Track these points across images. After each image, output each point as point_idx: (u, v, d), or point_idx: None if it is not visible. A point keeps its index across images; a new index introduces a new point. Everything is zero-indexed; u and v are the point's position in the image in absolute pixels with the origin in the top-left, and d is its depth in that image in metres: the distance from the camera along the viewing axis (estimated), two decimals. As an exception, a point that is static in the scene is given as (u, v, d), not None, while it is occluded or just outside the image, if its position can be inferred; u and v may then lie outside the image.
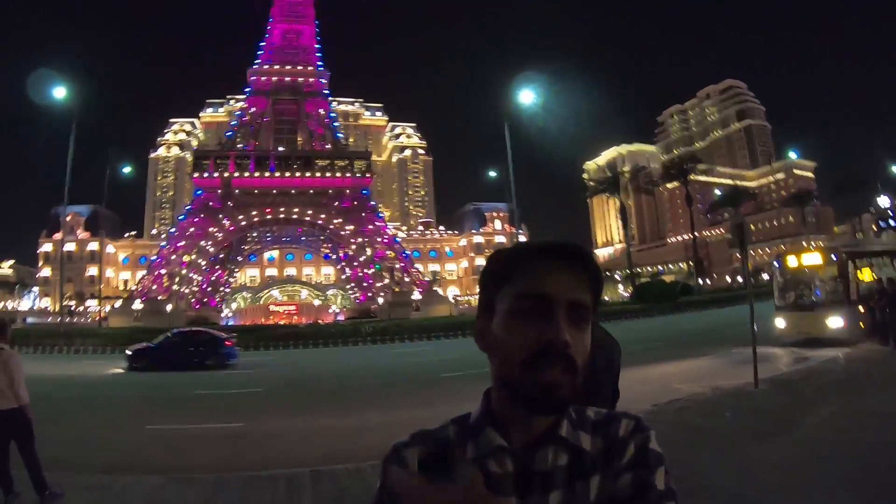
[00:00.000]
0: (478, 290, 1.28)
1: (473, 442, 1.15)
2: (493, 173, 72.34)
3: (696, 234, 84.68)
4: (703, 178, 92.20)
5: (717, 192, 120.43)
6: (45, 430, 7.44)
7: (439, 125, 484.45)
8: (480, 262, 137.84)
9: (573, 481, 1.13)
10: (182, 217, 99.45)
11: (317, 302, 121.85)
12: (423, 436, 1.21)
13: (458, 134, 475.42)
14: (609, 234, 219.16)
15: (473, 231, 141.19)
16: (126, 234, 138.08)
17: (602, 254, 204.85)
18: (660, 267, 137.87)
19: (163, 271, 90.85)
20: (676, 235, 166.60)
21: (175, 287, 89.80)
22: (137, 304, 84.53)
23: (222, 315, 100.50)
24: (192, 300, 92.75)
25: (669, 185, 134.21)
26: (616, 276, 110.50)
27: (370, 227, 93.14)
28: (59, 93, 44.69)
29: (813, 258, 21.84)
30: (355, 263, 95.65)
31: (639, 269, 78.05)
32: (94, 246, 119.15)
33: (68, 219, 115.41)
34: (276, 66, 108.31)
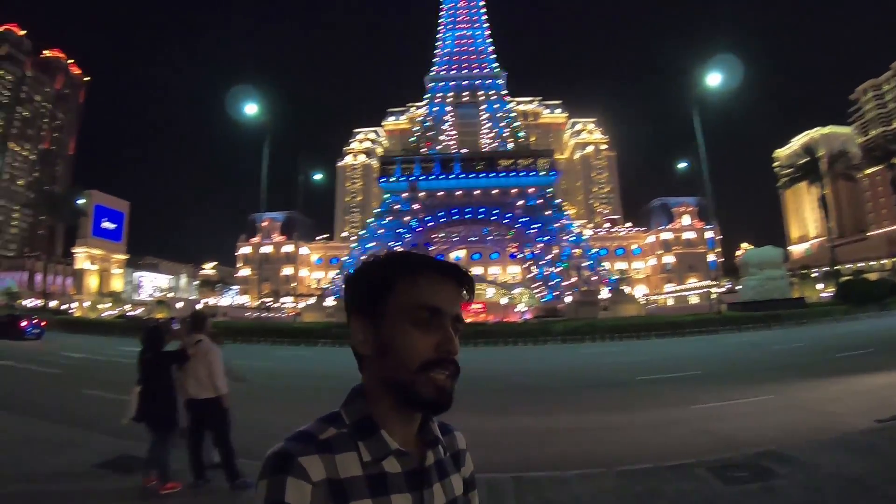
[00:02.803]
0: (349, 294, 1.36)
1: (364, 444, 1.22)
2: (681, 164, 69.46)
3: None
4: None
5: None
6: (241, 418, 7.58)
7: (621, 118, 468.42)
8: (669, 259, 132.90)
9: (443, 478, 1.33)
10: (371, 220, 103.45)
11: (503, 301, 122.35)
12: (307, 439, 1.21)
13: (641, 126, 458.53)
14: (804, 227, 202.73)
15: (661, 227, 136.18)
16: (318, 237, 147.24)
17: (797, 250, 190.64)
18: (860, 263, 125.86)
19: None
20: (879, 227, 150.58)
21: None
22: (330, 301, 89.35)
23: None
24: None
25: (868, 171, 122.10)
26: (814, 274, 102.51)
27: (556, 225, 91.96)
28: (251, 109, 47.97)
29: None
30: (541, 262, 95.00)
31: (838, 267, 71.08)
32: (288, 248, 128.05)
33: (265, 224, 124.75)
34: (453, 71, 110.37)
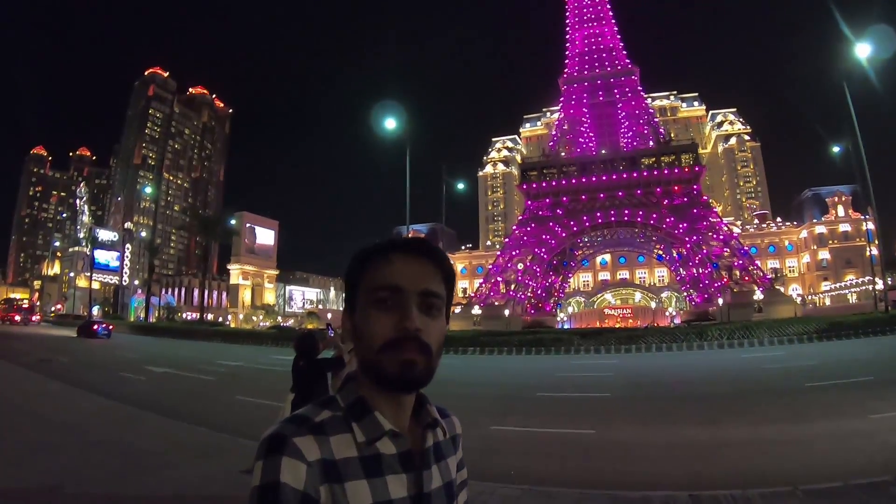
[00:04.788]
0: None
1: (358, 425, 1.23)
2: (834, 149, 64.65)
3: None
4: None
5: None
6: None
7: (764, 104, 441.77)
8: (824, 255, 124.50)
9: (440, 460, 1.34)
10: (515, 227, 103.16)
11: (652, 304, 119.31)
12: (302, 422, 1.20)
13: (787, 111, 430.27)
14: None
15: (814, 220, 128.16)
16: (463, 247, 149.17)
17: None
18: None
19: (499, 279, 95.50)
20: None
21: (511, 293, 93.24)
22: (476, 310, 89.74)
23: (558, 319, 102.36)
24: (528, 305, 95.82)
25: None
26: None
27: (704, 223, 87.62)
28: (391, 125, 48.56)
29: None
30: (690, 263, 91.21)
31: None
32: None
33: (409, 237, 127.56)
34: (585, 72, 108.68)
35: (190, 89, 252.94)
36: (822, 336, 36.53)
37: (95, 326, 54.43)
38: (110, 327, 57.07)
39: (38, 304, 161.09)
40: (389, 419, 1.26)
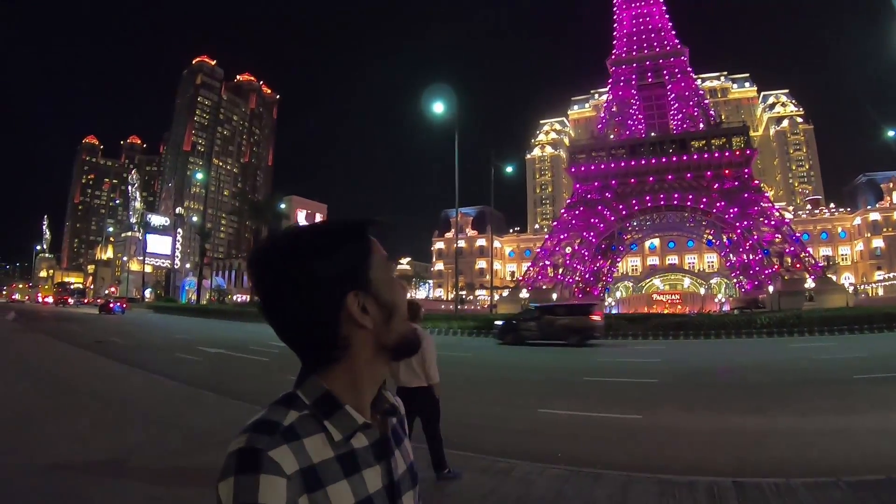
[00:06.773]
0: (328, 272, 1.17)
1: (331, 423, 1.12)
2: (891, 133, 62.65)
3: None
4: None
5: None
6: (445, 407, 7.35)
7: (817, 85, 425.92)
8: (878, 243, 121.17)
9: (399, 443, 1.28)
10: (563, 211, 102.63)
11: (701, 291, 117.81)
12: (272, 429, 1.07)
13: (841, 92, 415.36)
14: None
15: (868, 207, 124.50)
16: (511, 230, 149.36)
17: None
18: None
19: (547, 262, 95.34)
20: None
21: (559, 277, 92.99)
22: (524, 293, 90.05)
23: (606, 304, 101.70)
24: (576, 289, 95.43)
25: None
26: None
27: (755, 208, 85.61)
28: (439, 108, 48.33)
29: None
30: (740, 249, 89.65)
31: None
32: (482, 242, 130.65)
33: (458, 219, 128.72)
34: (634, 53, 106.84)
35: (237, 76, 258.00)
36: (874, 327, 35.59)
37: (112, 304, 66.69)
38: (124, 305, 69.81)
39: (91, 287, 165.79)
40: (359, 411, 1.18)
